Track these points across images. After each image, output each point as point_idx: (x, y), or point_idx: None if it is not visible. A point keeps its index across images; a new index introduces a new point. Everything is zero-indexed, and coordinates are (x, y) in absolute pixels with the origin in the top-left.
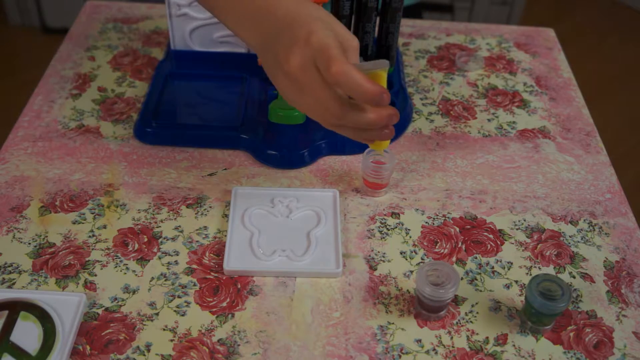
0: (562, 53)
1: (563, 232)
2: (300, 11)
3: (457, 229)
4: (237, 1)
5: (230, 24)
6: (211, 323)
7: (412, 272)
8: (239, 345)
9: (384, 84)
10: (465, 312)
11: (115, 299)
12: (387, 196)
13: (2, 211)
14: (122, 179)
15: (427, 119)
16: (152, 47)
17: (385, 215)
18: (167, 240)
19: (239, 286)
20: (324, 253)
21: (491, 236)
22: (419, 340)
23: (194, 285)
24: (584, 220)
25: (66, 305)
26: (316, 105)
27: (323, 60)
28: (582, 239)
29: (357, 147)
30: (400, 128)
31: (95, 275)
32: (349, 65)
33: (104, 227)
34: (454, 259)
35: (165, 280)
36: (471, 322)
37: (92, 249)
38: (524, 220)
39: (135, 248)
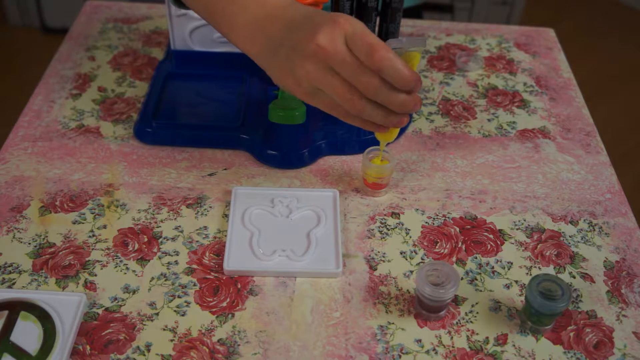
0: (562, 53)
1: (563, 232)
2: (311, 10)
3: (457, 229)
4: (245, 10)
5: (233, 34)
6: (211, 323)
7: (412, 272)
8: (239, 345)
9: (417, 62)
10: (465, 312)
11: (115, 299)
12: (387, 196)
13: (2, 211)
14: (122, 179)
15: (427, 119)
16: (152, 47)
17: (385, 215)
18: (167, 240)
19: (239, 286)
20: (323, 253)
21: (491, 236)
22: (419, 340)
23: (194, 285)
24: (584, 220)
25: (66, 305)
26: (343, 87)
27: (362, 45)
28: (582, 239)
29: (357, 147)
30: (400, 128)
31: (95, 275)
32: (391, 50)
33: (104, 227)
34: (454, 259)
35: (165, 280)
36: (471, 322)
37: (92, 249)
38: (524, 220)
39: (135, 248)
